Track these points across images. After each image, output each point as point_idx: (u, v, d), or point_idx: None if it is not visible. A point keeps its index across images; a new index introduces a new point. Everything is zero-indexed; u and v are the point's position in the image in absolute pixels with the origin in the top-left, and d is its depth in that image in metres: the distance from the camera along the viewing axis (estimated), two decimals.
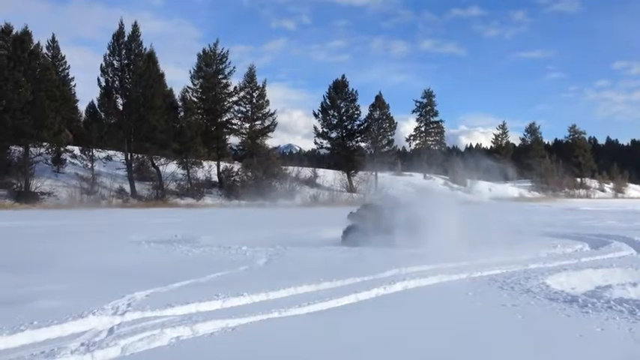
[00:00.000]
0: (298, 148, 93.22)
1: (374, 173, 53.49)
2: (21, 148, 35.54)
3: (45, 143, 36.27)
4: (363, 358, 3.51)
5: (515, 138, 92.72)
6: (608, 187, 79.73)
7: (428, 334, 4.05)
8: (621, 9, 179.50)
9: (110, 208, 33.94)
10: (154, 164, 41.30)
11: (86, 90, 68.15)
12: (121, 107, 39.71)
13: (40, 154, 36.41)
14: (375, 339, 3.90)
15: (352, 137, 54.00)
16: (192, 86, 45.81)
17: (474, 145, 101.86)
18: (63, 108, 37.21)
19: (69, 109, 41.03)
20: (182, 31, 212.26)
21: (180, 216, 24.28)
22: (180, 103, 43.75)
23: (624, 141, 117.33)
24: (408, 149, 71.16)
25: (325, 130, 53.86)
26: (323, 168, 54.20)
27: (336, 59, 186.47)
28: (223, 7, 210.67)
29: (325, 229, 12.84)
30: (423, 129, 64.55)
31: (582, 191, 73.72)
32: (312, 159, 61.38)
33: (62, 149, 38.87)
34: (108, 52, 39.31)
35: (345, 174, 52.46)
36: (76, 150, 39.90)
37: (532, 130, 76.28)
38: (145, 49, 40.37)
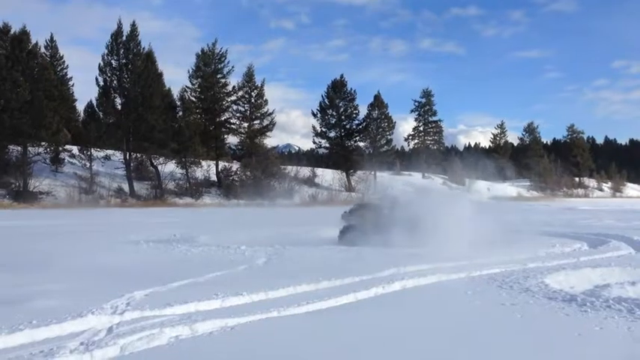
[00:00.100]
0: (297, 148, 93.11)
1: (373, 173, 53.53)
2: (19, 148, 35.52)
3: (43, 143, 36.24)
4: (362, 357, 3.51)
5: (513, 137, 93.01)
6: (607, 186, 79.87)
7: (427, 333, 4.05)
8: (619, 8, 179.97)
9: (109, 207, 33.91)
10: (152, 164, 41.28)
11: (84, 90, 68.35)
12: (119, 107, 39.67)
13: (39, 154, 36.40)
14: (374, 338, 3.90)
15: (351, 137, 54.02)
16: (190, 86, 45.85)
17: (472, 145, 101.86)
18: (61, 107, 37.19)
19: (67, 108, 41.01)
20: (181, 31, 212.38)
21: (178, 215, 24.27)
22: (178, 103, 43.76)
23: (622, 140, 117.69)
24: (406, 149, 71.36)
25: (324, 129, 53.89)
26: (322, 167, 54.19)
27: (334, 59, 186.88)
28: (223, 6, 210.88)
29: (324, 229, 12.83)
30: (421, 128, 64.62)
31: (580, 191, 73.85)
32: (311, 158, 61.33)
33: (60, 149, 38.85)
34: (106, 51, 39.31)
35: (344, 173, 52.48)
36: (75, 149, 39.88)
37: (530, 129, 76.42)
38: (144, 48, 40.39)
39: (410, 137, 65.26)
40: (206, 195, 42.26)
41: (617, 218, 20.79)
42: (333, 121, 53.51)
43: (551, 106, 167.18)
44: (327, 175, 52.18)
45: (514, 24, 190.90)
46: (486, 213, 10.97)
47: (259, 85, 48.18)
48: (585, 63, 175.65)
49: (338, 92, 52.91)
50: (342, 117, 53.32)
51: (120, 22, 39.59)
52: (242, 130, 47.97)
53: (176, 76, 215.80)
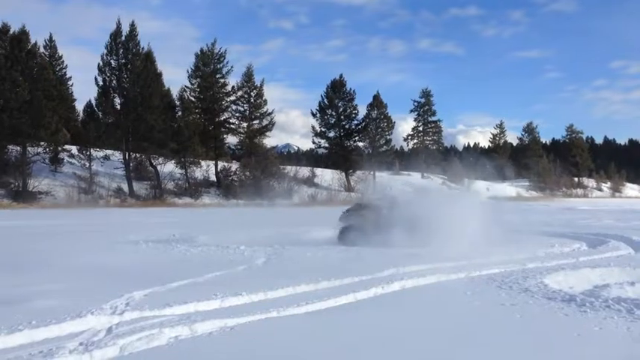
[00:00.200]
0: (296, 148, 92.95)
1: (372, 173, 53.51)
2: (18, 148, 35.49)
3: (42, 143, 36.21)
4: (362, 357, 3.51)
5: (512, 137, 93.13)
6: (606, 186, 79.92)
7: (426, 333, 4.05)
8: (619, 8, 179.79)
9: (108, 207, 33.89)
10: (151, 164, 41.25)
11: (84, 89, 68.63)
12: (118, 107, 39.64)
13: (38, 154, 36.37)
14: (374, 338, 3.90)
15: (350, 137, 54.01)
16: (189, 86, 45.81)
17: (471, 145, 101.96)
18: (60, 107, 37.17)
19: (66, 108, 40.99)
20: (180, 31, 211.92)
21: (178, 215, 24.26)
22: (177, 103, 43.72)
23: (621, 140, 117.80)
24: (405, 149, 71.37)
25: (323, 129, 53.86)
26: (321, 167, 54.18)
27: (333, 59, 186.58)
28: (221, 7, 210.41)
29: (323, 229, 12.81)
30: (420, 128, 64.62)
31: (580, 191, 73.89)
32: (310, 158, 61.29)
33: (60, 149, 38.82)
34: (105, 51, 39.25)
35: (343, 173, 52.47)
36: (74, 149, 39.85)
37: (529, 129, 76.46)
38: (143, 48, 40.35)
39: (409, 137, 65.32)
40: (205, 195, 42.24)
41: (616, 218, 20.81)
42: (333, 121, 53.52)
43: (551, 106, 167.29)
44: (327, 175, 52.17)
45: (514, 24, 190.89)
46: (485, 213, 10.96)
47: (258, 85, 48.20)
48: (585, 63, 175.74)
49: (337, 92, 52.91)
50: (342, 117, 53.32)
51: (119, 22, 39.64)
52: (241, 130, 47.95)
53: (175, 76, 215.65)
